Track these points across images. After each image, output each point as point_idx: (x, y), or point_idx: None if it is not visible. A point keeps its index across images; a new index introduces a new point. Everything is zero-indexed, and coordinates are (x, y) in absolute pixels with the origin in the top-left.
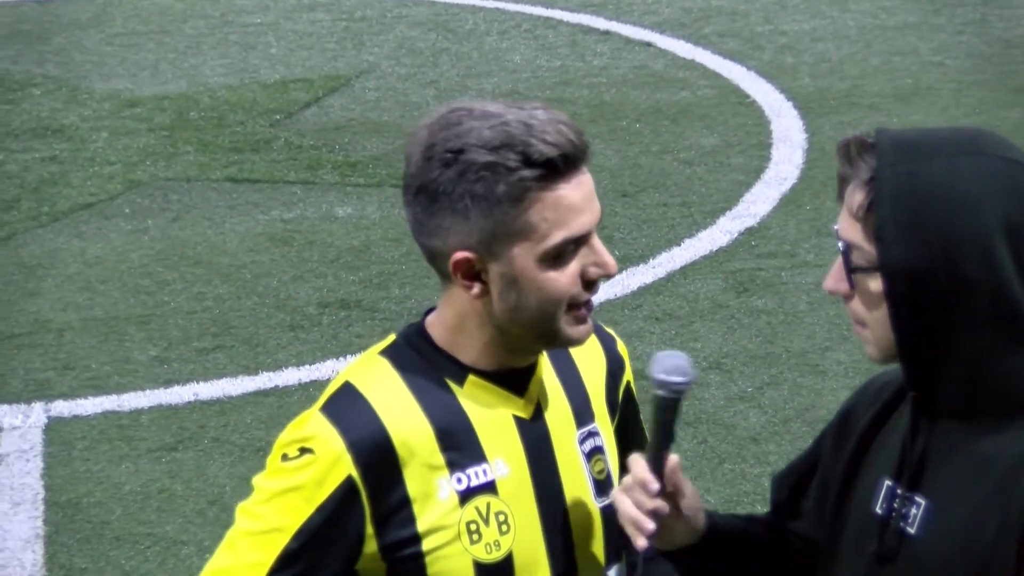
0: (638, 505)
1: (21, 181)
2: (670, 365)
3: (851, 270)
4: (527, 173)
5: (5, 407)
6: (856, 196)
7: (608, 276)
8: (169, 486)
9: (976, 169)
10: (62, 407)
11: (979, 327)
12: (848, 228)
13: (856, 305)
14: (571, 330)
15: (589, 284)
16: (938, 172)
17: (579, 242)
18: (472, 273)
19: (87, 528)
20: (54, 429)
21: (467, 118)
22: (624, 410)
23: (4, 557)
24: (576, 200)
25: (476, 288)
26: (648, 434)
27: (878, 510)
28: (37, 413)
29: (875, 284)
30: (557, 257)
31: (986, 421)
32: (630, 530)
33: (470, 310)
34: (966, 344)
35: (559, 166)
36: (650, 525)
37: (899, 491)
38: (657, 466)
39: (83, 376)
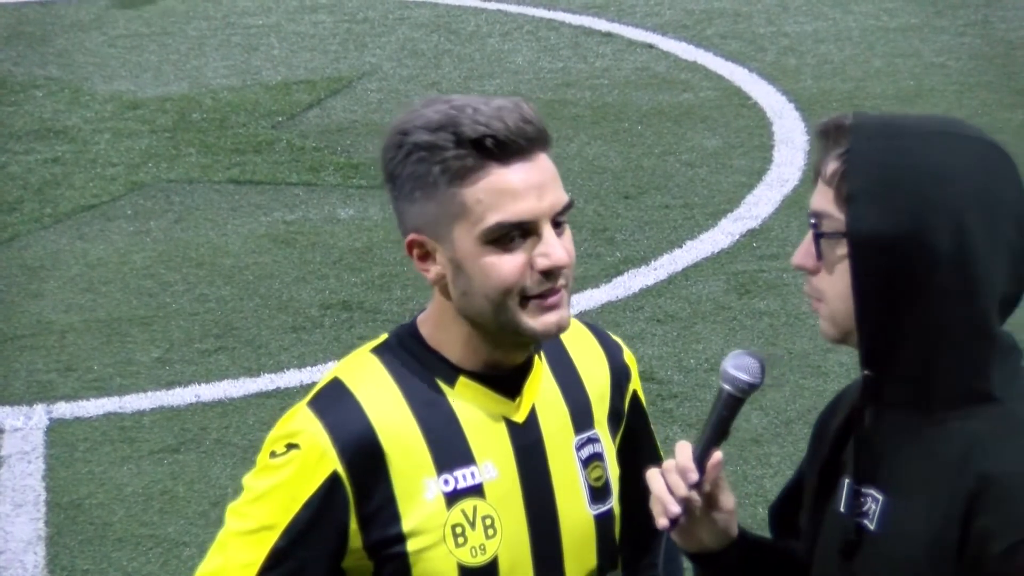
0: (672, 489)
1: (24, 182)
2: (742, 363)
3: (818, 235)
4: (457, 152)
5: (7, 409)
6: (831, 165)
7: (557, 268)
8: (171, 488)
9: (951, 146)
10: (64, 409)
11: (940, 302)
12: (820, 197)
13: (819, 279)
14: (532, 321)
15: (546, 275)
16: (913, 146)
17: (524, 230)
18: (425, 255)
19: (89, 530)
20: (56, 431)
21: (432, 104)
22: (631, 419)
23: (6, 559)
24: (514, 185)
25: (432, 272)
26: (703, 425)
27: (842, 508)
28: (39, 415)
29: (841, 251)
30: (498, 242)
31: (932, 411)
32: (656, 509)
33: (446, 302)
34: (925, 320)
35: (490, 148)
36: (675, 508)
37: (858, 487)
38: (701, 458)
39: (85, 378)
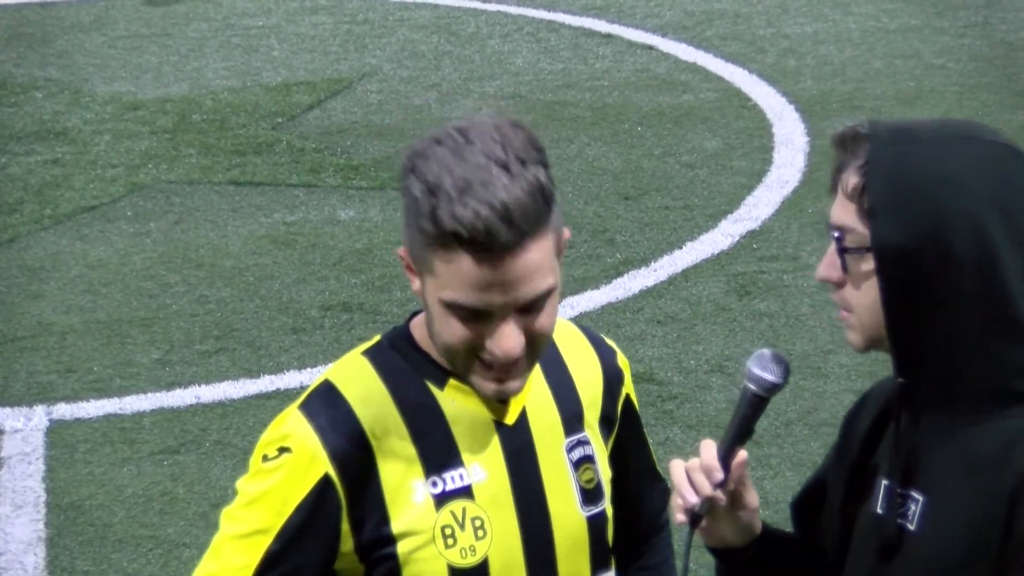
0: (698, 488)
1: (24, 184)
2: (767, 362)
3: (843, 251)
4: (429, 228)
5: (7, 410)
6: (851, 179)
7: (504, 359)
8: (171, 489)
9: (967, 151)
10: (64, 410)
11: (966, 307)
12: (842, 211)
13: (846, 291)
14: (478, 382)
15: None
16: (929, 153)
17: (479, 314)
18: (411, 268)
19: (89, 531)
20: (56, 432)
21: (446, 145)
22: (623, 423)
23: (6, 560)
24: (476, 278)
25: (415, 283)
26: (727, 424)
27: (879, 510)
28: (39, 416)
29: (867, 266)
30: (454, 310)
31: (968, 411)
32: (676, 503)
33: None
34: (953, 324)
35: (462, 242)
36: (694, 498)
37: (898, 488)
38: (726, 457)
39: (85, 379)
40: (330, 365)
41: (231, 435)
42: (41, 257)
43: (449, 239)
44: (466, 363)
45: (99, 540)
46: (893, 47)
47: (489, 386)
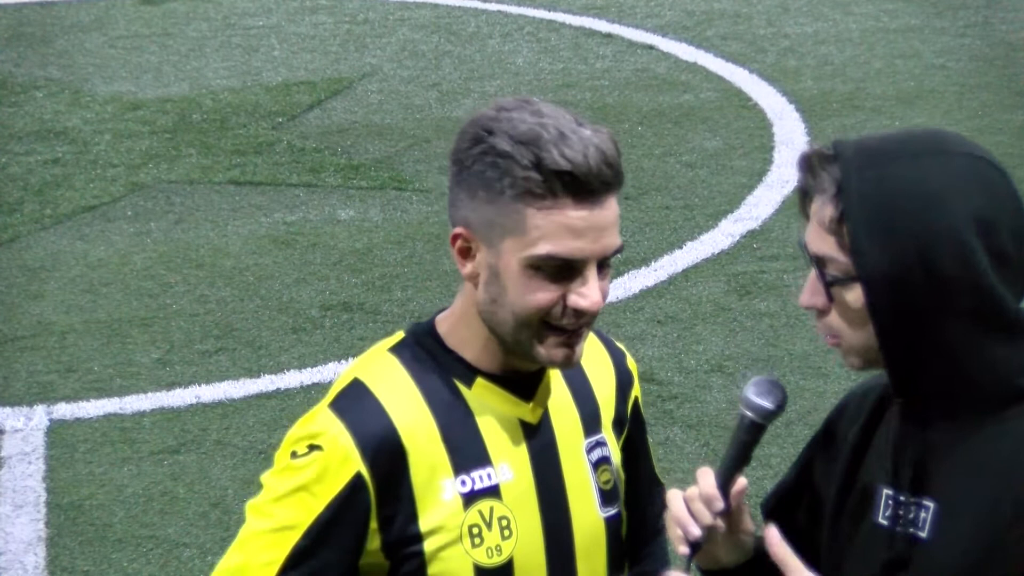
0: (697, 516)
1: (24, 183)
2: (763, 390)
3: (828, 283)
4: (532, 175)
5: (7, 410)
6: (826, 209)
7: (585, 312)
8: (171, 489)
9: (941, 167)
10: (64, 410)
11: (960, 323)
12: (819, 241)
13: (832, 319)
14: (547, 351)
15: (576, 313)
16: (904, 174)
17: (570, 267)
18: (466, 250)
19: (89, 531)
20: (56, 432)
21: (520, 109)
22: (632, 426)
23: (6, 560)
24: (576, 225)
25: (468, 267)
26: (725, 450)
27: (882, 520)
28: (39, 416)
29: (852, 295)
30: (540, 269)
31: (976, 417)
32: (676, 533)
33: (471, 301)
34: (949, 341)
35: (567, 184)
36: (696, 531)
37: (903, 498)
38: (725, 485)
39: (85, 379)
40: (354, 361)
41: (231, 435)
42: (41, 257)
43: (553, 183)
44: (537, 332)
45: (99, 540)
46: (893, 47)
47: (559, 353)
